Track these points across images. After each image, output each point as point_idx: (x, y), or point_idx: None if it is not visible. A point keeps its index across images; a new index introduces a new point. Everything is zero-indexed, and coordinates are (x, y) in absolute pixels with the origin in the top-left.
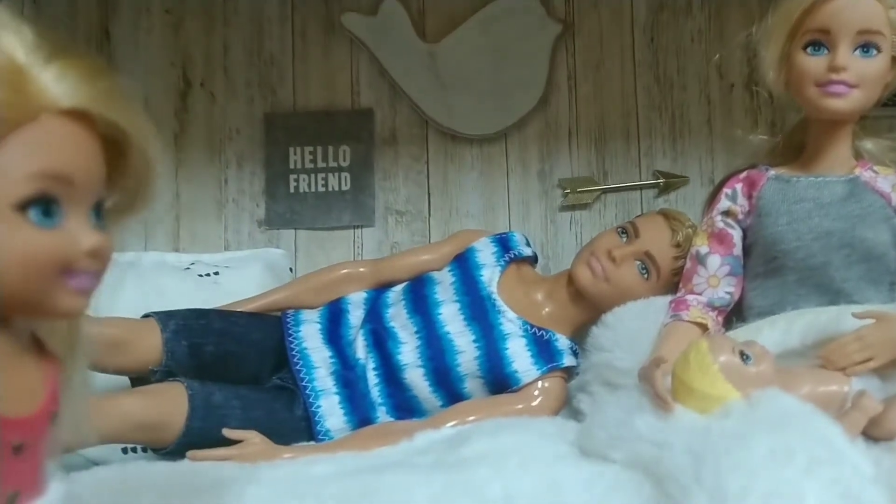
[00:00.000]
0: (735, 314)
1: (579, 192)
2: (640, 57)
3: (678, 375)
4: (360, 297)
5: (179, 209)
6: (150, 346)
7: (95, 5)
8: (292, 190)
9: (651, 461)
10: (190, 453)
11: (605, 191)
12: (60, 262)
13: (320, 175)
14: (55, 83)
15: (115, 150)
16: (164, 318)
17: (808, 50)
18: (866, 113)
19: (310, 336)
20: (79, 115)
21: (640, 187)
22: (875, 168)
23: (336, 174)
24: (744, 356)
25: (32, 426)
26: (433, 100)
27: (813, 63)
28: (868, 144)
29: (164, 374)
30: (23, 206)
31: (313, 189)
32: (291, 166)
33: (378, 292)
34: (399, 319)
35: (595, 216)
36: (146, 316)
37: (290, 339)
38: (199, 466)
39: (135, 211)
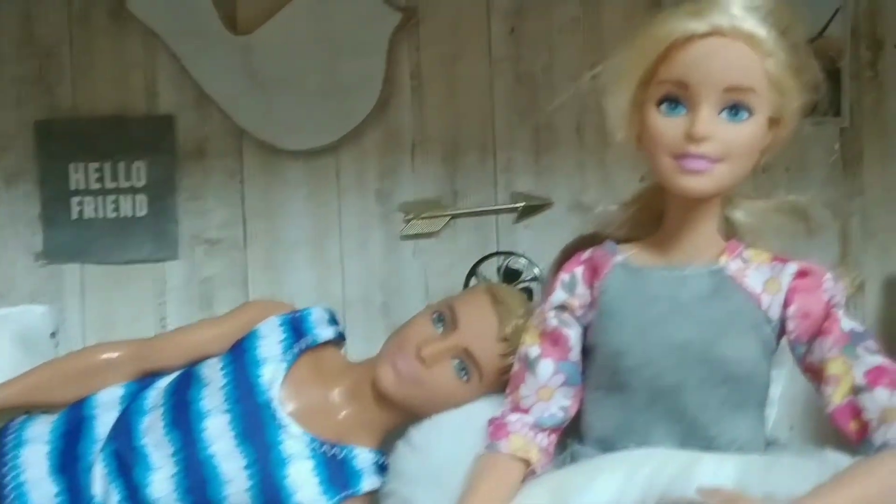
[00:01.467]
0: (572, 432)
1: (424, 217)
2: (498, 51)
3: None
4: (114, 397)
5: None
6: None
7: None
8: (75, 215)
9: None
10: None
11: (455, 216)
12: None
13: (110, 197)
14: None
15: None
16: None
17: (663, 107)
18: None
19: (32, 463)
20: None
21: (497, 212)
22: (746, 254)
23: (129, 196)
24: None
25: None
26: (248, 104)
27: (668, 126)
28: (739, 214)
29: None
30: None
31: (101, 214)
32: (73, 187)
33: (137, 389)
34: (154, 434)
35: (444, 245)
36: None
37: (4, 469)
38: None
39: None
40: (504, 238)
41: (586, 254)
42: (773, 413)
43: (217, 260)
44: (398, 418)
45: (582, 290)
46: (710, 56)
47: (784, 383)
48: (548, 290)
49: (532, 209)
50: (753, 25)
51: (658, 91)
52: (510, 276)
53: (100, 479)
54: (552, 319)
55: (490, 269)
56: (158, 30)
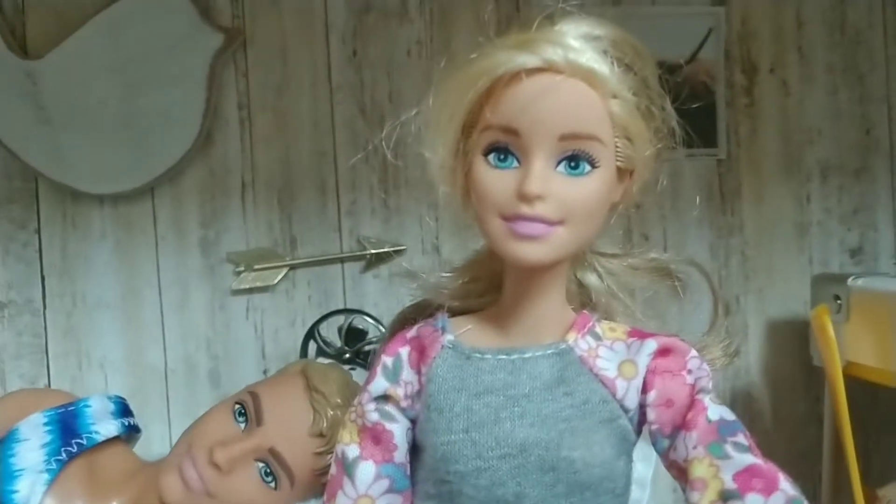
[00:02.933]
0: None
1: (258, 269)
2: (338, 77)
3: None
4: None
5: None
6: None
7: None
8: None
9: None
10: None
11: (293, 266)
12: None
13: None
14: None
15: None
16: None
17: (491, 158)
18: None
19: None
20: None
21: (342, 260)
22: (598, 329)
23: None
24: None
25: None
26: (38, 141)
27: (496, 181)
28: (592, 278)
29: None
30: None
31: None
32: None
33: None
34: None
35: (282, 299)
36: None
37: None
38: None
39: None
40: (351, 290)
41: (413, 331)
42: (645, 495)
43: (8, 326)
44: None
45: (408, 375)
46: (541, 96)
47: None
48: (369, 375)
49: (382, 257)
50: (593, 59)
51: (484, 139)
52: (353, 336)
53: None
54: (372, 413)
55: (331, 329)
56: None
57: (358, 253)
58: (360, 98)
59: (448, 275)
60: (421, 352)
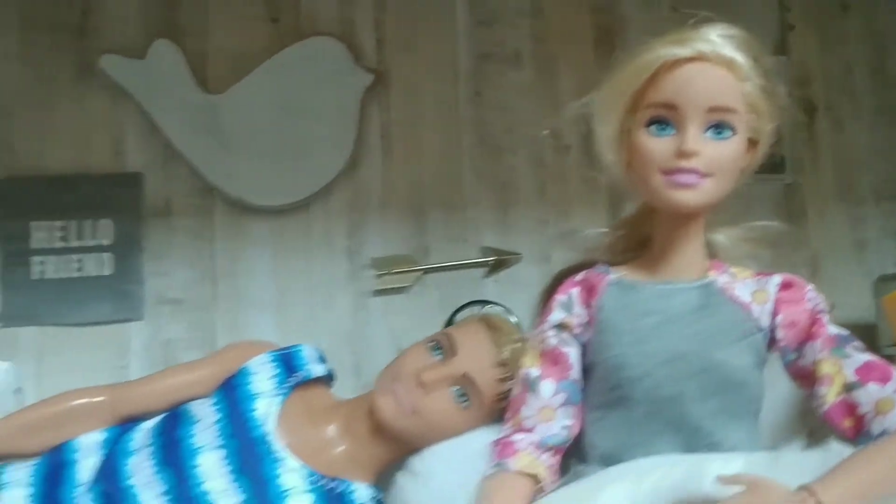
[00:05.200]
0: (573, 455)
1: (395, 273)
2: (463, 113)
3: None
4: (95, 441)
5: None
6: None
7: None
8: (36, 276)
9: None
10: None
11: (426, 271)
12: None
13: (73, 256)
14: None
15: None
16: None
17: (652, 128)
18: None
19: None
20: None
21: (468, 266)
22: (732, 270)
23: (94, 255)
24: None
25: None
26: (217, 163)
27: (658, 145)
28: (720, 237)
29: None
30: None
31: (64, 274)
32: (34, 245)
33: (120, 432)
34: (143, 474)
35: (415, 301)
36: None
37: None
38: None
39: None
40: (472, 293)
41: (580, 276)
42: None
43: (182, 320)
44: (393, 453)
45: (579, 309)
46: (695, 78)
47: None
48: (543, 313)
49: (502, 263)
50: (732, 51)
51: (646, 114)
52: None
53: None
54: (551, 339)
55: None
56: (130, 88)
57: (481, 260)
58: (481, 131)
59: (604, 230)
60: (589, 290)
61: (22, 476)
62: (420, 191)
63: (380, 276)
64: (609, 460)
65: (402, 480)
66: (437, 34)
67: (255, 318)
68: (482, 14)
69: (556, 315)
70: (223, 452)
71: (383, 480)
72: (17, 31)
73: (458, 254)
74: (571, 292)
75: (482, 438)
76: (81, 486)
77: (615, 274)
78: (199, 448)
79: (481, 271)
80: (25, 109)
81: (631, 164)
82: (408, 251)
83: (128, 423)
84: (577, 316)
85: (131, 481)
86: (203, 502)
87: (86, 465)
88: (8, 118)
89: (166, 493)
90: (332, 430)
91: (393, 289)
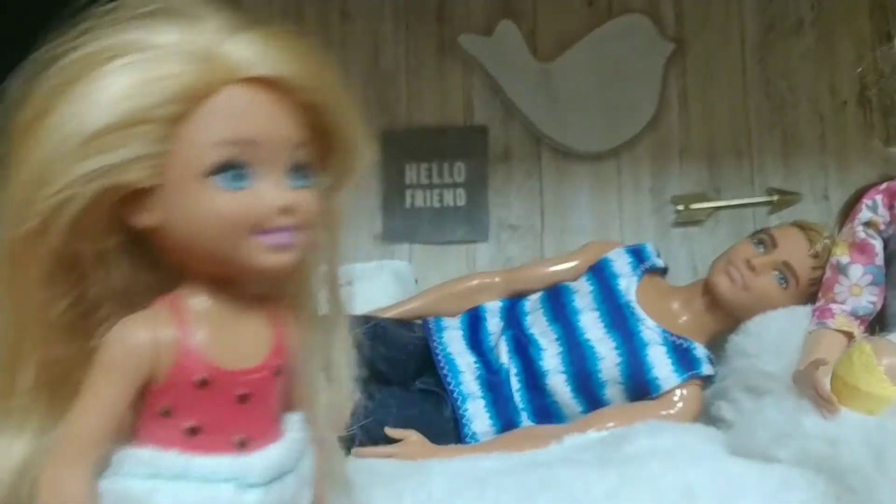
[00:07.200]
0: (877, 323)
1: (693, 208)
2: (750, 76)
3: (841, 377)
4: (497, 306)
5: None
6: None
7: None
8: (408, 205)
9: (824, 458)
10: (355, 450)
11: (718, 208)
12: (250, 221)
13: (436, 191)
14: (238, 54)
15: (320, 119)
16: None
17: None
18: None
19: (452, 341)
20: (266, 83)
21: (754, 204)
22: None
23: (451, 190)
24: None
25: (255, 378)
26: (547, 117)
27: None
28: None
29: None
30: (212, 173)
31: (429, 204)
32: (407, 182)
33: (513, 301)
34: (538, 327)
35: (707, 233)
36: None
37: (434, 344)
38: (365, 463)
39: (342, 182)
40: (758, 226)
41: (883, 186)
42: None
43: (517, 243)
44: (721, 324)
45: (883, 211)
46: None
47: None
48: (849, 216)
49: (784, 202)
50: None
51: None
52: None
53: (504, 354)
54: (861, 233)
55: None
56: (480, 59)
57: (766, 199)
58: (767, 89)
59: None
60: (891, 196)
61: (454, 323)
62: (713, 141)
63: (680, 210)
64: None
65: (737, 338)
66: (728, 8)
67: (575, 244)
68: None
69: (864, 214)
70: (597, 314)
71: (712, 347)
72: (393, 20)
73: (746, 194)
74: (876, 198)
75: (802, 310)
76: (492, 335)
77: None
78: (580, 309)
79: (766, 209)
80: (402, 78)
81: None
82: (702, 191)
83: (515, 297)
84: (882, 216)
85: (532, 330)
86: (587, 346)
87: (492, 322)
88: (390, 85)
89: (558, 339)
90: (675, 305)
91: (691, 221)
